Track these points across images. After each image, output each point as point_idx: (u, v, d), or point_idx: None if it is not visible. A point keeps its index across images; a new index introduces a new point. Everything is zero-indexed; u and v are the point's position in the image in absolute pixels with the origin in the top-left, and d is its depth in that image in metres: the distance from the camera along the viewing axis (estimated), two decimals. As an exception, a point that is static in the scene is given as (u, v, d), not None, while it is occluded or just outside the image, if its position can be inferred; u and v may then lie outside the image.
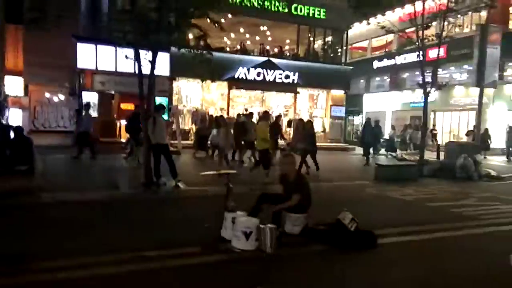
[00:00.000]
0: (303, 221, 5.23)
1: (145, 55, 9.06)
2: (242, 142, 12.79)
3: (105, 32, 17.66)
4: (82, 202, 7.15)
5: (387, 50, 31.82)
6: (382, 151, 19.23)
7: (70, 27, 17.41)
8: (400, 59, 29.48)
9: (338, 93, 22.73)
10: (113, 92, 18.73)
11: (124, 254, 4.32)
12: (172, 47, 10.69)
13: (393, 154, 18.31)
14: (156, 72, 9.25)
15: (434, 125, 23.31)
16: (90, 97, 17.77)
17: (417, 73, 29.37)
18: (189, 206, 7.28)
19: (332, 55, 22.98)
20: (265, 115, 11.00)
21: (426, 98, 13.12)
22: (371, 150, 15.67)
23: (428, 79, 30.87)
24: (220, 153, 12.05)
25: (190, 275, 4.01)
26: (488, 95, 22.71)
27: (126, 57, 9.35)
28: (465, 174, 11.67)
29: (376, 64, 31.32)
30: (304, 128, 11.95)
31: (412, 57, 28.62)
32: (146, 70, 9.01)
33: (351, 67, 23.13)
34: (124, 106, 19.27)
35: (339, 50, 22.95)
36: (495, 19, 20.28)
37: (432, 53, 27.70)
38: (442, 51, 26.16)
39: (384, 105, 30.09)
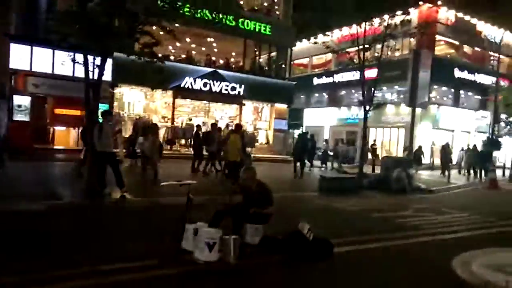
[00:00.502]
0: (261, 231, 5.30)
1: (93, 60, 8.74)
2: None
3: (42, 33, 16.67)
4: (20, 213, 6.60)
5: (326, 68, 33.49)
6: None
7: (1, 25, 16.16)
8: (338, 77, 31.11)
9: (282, 106, 23.31)
10: (42, 95, 17.57)
11: (77, 269, 4.07)
12: (120, 53, 10.27)
13: (324, 166, 19.27)
14: (97, 78, 8.93)
15: (374, 141, 24.68)
16: (21, 100, 16.52)
17: (353, 91, 31.26)
18: (140, 217, 7.02)
19: (276, 70, 23.57)
20: (237, 128, 11.01)
21: (366, 115, 13.90)
22: (308, 162, 16.13)
23: (360, 97, 32.72)
24: (147, 162, 11.82)
25: (154, 288, 3.89)
26: (416, 114, 24.68)
27: (74, 61, 8.97)
28: (399, 187, 12.51)
29: (316, 81, 32.75)
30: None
31: (349, 76, 30.38)
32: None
33: (294, 83, 23.90)
34: (58, 111, 18.23)
35: (283, 65, 23.62)
36: (423, 44, 22.30)
37: (368, 74, 29.60)
38: (375, 72, 28.23)
39: (323, 120, 31.43)
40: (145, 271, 4.20)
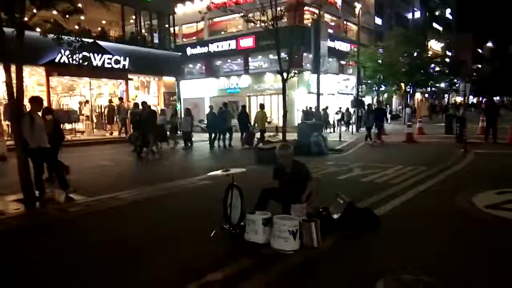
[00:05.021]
0: (305, 210, 5.18)
1: None
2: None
3: None
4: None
5: (196, 37, 32.81)
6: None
7: None
8: (213, 47, 30.95)
9: (170, 80, 22.15)
10: None
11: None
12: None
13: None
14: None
15: (327, 107, 25.11)
16: None
17: (229, 61, 31.57)
18: (129, 220, 5.98)
19: (160, 40, 22.08)
20: (262, 107, 14.85)
21: (284, 85, 14.25)
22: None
23: (238, 67, 33.16)
24: None
25: None
26: (293, 81, 26.54)
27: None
28: (317, 149, 13.48)
29: (189, 51, 31.90)
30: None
31: (225, 46, 30.52)
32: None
33: (180, 53, 22.85)
34: None
35: (167, 35, 22.28)
36: (293, 15, 23.63)
37: (243, 42, 30.13)
38: (251, 41, 29.01)
39: (202, 91, 31.11)
40: (248, 277, 3.68)
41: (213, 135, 16.26)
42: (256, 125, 16.34)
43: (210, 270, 3.76)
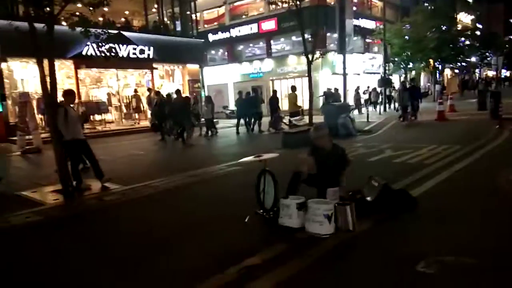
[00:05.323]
0: (339, 194, 5.13)
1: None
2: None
3: None
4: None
5: (217, 23, 32.63)
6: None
7: None
8: (234, 32, 30.75)
9: (194, 67, 22.23)
10: None
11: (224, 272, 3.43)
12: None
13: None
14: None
15: (358, 87, 24.84)
16: None
17: (251, 45, 31.33)
18: (165, 208, 6.08)
19: (182, 27, 22.10)
20: (293, 89, 15.52)
21: (309, 67, 14.06)
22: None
23: (260, 51, 32.82)
24: None
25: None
26: (317, 62, 26.08)
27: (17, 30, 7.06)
28: (345, 132, 13.30)
29: (211, 37, 31.80)
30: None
31: (246, 30, 30.27)
32: None
33: (202, 40, 22.83)
34: None
35: (189, 22, 22.27)
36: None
37: (265, 25, 29.79)
38: (273, 24, 28.62)
39: (225, 77, 31.09)
40: (284, 262, 3.68)
41: (242, 120, 16.29)
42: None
43: (246, 255, 3.78)
